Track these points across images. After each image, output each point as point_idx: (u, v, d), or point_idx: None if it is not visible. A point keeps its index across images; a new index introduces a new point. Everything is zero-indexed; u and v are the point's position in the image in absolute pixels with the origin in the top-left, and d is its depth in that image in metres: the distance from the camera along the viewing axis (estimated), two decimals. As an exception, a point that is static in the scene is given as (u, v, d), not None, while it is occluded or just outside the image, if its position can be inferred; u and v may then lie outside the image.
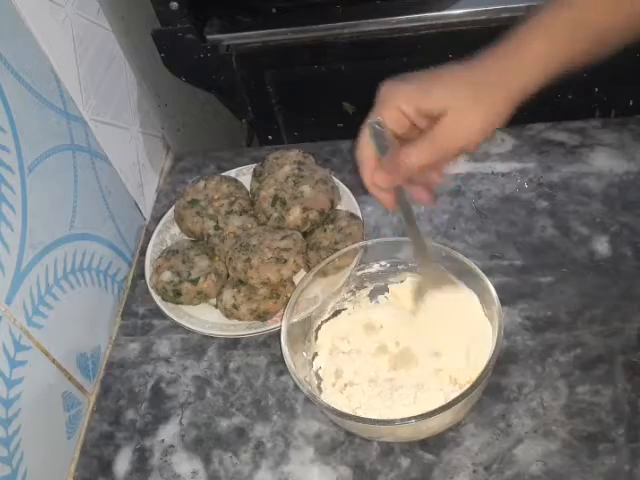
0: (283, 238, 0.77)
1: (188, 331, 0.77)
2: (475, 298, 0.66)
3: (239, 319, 0.76)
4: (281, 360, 0.70)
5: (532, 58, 0.54)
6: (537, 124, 0.90)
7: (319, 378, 0.69)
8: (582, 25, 0.54)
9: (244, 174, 0.89)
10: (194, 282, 0.77)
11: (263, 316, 0.75)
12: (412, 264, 0.71)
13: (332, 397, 0.66)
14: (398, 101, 0.55)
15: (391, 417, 0.61)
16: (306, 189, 0.79)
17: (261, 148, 1.02)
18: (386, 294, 0.73)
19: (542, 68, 0.54)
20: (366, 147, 0.58)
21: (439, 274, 0.66)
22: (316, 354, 0.70)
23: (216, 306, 0.78)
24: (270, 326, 0.74)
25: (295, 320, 0.68)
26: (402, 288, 0.72)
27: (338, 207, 0.82)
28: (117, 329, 0.80)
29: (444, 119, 0.53)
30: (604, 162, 0.84)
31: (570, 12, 0.54)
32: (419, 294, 0.68)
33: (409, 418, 0.58)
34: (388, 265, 0.72)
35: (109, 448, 0.71)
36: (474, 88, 0.53)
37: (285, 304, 0.73)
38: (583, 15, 0.54)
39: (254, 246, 0.76)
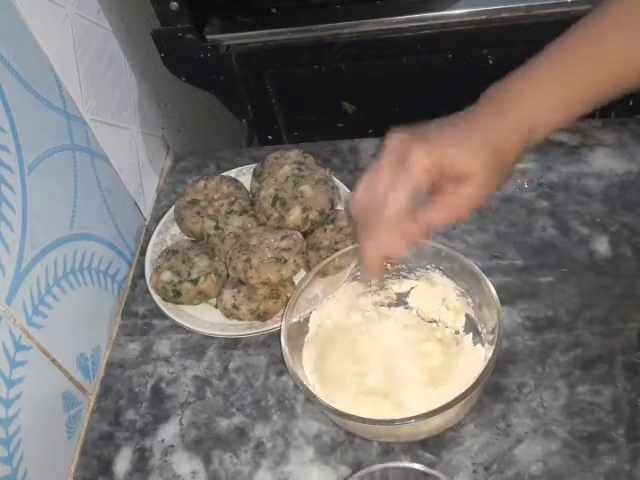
0: (283, 238, 0.77)
1: (188, 331, 0.77)
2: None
3: (239, 319, 0.76)
4: (281, 360, 0.70)
5: (540, 108, 0.55)
6: (537, 124, 0.89)
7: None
8: (594, 69, 0.55)
9: (244, 174, 0.90)
10: (194, 282, 0.77)
11: (263, 316, 0.75)
12: (411, 264, 0.71)
13: (332, 396, 0.66)
14: (423, 163, 0.53)
15: (391, 417, 0.61)
16: (306, 189, 0.79)
17: (261, 148, 1.02)
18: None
19: (551, 117, 0.55)
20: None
21: None
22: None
23: (216, 306, 0.78)
24: (270, 326, 0.74)
25: (295, 320, 0.68)
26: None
27: (338, 207, 0.82)
28: (117, 329, 0.80)
29: (468, 183, 0.54)
30: (604, 162, 0.84)
31: (578, 55, 0.55)
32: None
33: (409, 418, 0.58)
34: (388, 265, 0.72)
35: (109, 448, 0.71)
36: (495, 153, 0.54)
37: (285, 304, 0.73)
38: (594, 60, 0.55)
39: (254, 246, 0.76)
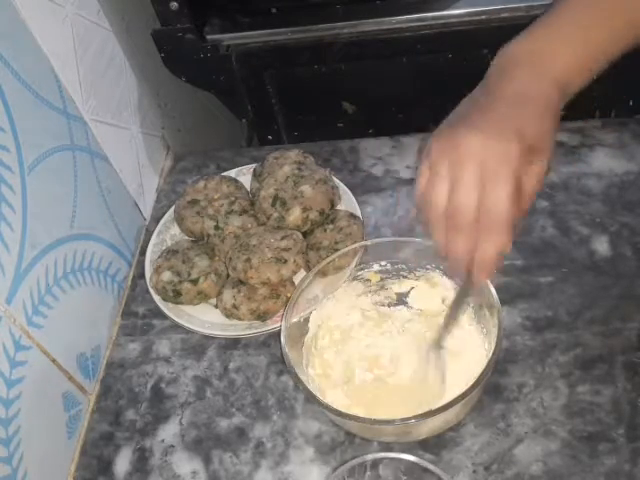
0: (283, 238, 0.77)
1: (188, 331, 0.77)
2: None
3: (239, 319, 0.76)
4: (281, 360, 0.70)
5: (556, 80, 0.54)
6: (537, 124, 0.89)
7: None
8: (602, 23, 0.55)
9: (244, 174, 0.89)
10: (194, 282, 0.77)
11: (263, 316, 0.75)
12: (411, 264, 0.71)
13: (332, 396, 0.66)
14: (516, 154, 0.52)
15: (391, 417, 0.61)
16: (306, 189, 0.79)
17: (261, 148, 1.02)
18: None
19: (566, 84, 0.55)
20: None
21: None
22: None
23: (216, 306, 0.78)
24: (270, 326, 0.74)
25: (295, 320, 0.68)
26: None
27: (338, 207, 0.82)
28: (117, 329, 0.80)
29: (542, 154, 0.54)
30: (604, 162, 0.84)
31: (584, 14, 0.56)
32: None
33: (409, 418, 0.58)
34: (388, 265, 0.72)
35: (109, 448, 0.71)
36: (549, 116, 0.54)
37: (285, 304, 0.73)
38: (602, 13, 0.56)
39: (254, 246, 0.76)
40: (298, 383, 0.62)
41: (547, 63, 0.54)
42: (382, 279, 0.73)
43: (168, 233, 0.86)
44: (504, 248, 0.53)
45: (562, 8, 0.56)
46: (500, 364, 0.67)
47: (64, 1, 0.74)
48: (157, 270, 0.79)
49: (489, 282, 0.63)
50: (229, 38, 0.96)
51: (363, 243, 0.73)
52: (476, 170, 0.51)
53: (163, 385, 0.74)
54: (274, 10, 0.95)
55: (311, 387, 0.63)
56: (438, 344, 0.65)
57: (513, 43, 0.56)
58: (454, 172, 0.52)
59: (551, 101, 0.54)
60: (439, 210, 0.53)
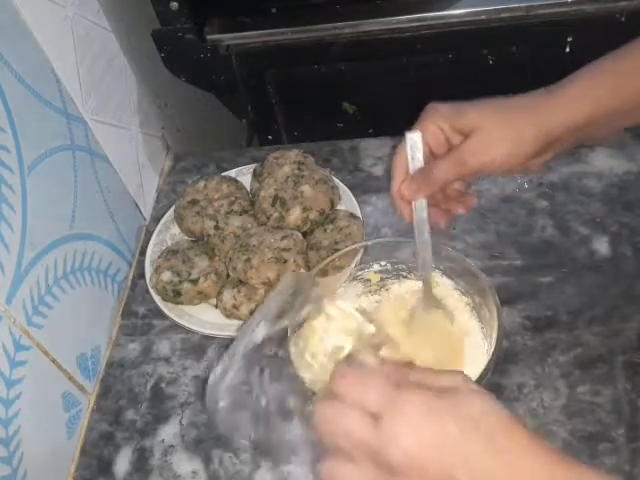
0: (283, 238, 0.77)
1: (188, 331, 0.77)
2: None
3: (239, 319, 0.76)
4: (281, 360, 0.70)
5: (569, 96, 0.55)
6: (537, 124, 0.89)
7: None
8: (626, 75, 0.55)
9: (244, 174, 0.90)
10: (194, 282, 0.77)
11: (263, 316, 0.75)
12: (412, 264, 0.71)
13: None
14: (436, 118, 0.58)
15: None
16: (306, 189, 0.79)
17: (261, 148, 1.02)
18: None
19: (581, 109, 0.55)
20: (400, 157, 0.59)
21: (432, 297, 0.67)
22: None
23: (216, 306, 0.78)
24: (270, 326, 0.74)
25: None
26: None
27: (338, 207, 0.82)
28: (117, 329, 0.80)
29: (471, 136, 0.56)
30: (604, 162, 0.84)
31: (615, 63, 0.56)
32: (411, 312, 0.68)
33: (409, 418, 0.58)
34: (388, 265, 0.72)
35: (109, 448, 0.71)
36: (506, 113, 0.56)
37: (285, 304, 0.73)
38: (628, 68, 0.55)
39: (254, 246, 0.76)
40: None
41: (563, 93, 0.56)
42: (382, 279, 0.73)
43: (168, 233, 0.86)
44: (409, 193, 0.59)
45: None
46: (500, 364, 0.67)
47: (64, 1, 0.74)
48: (157, 270, 0.79)
49: (489, 282, 0.63)
50: (229, 38, 0.96)
51: (363, 243, 0.73)
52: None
53: (163, 385, 0.74)
54: (274, 10, 0.95)
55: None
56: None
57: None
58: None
59: (548, 117, 0.55)
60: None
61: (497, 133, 0.55)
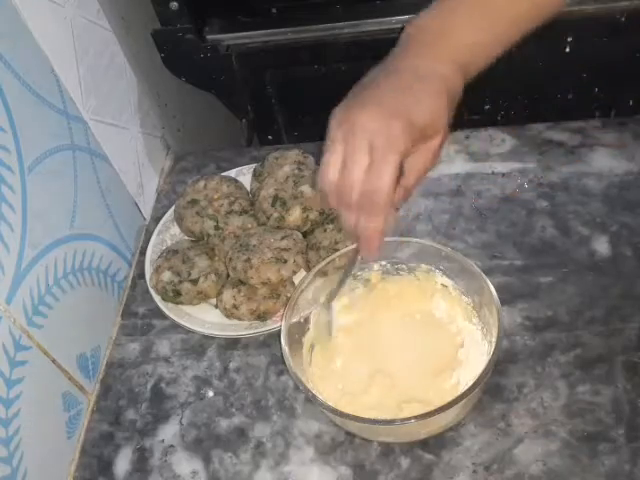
0: (283, 238, 0.77)
1: (188, 331, 0.77)
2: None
3: (239, 319, 0.76)
4: (281, 360, 0.70)
5: (452, 43, 0.56)
6: (537, 124, 0.90)
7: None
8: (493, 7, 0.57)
9: (244, 174, 0.90)
10: (194, 282, 0.77)
11: (263, 316, 0.75)
12: (412, 264, 0.71)
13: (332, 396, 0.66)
14: (399, 141, 0.53)
15: (391, 417, 0.61)
16: (306, 189, 0.79)
17: (261, 148, 1.02)
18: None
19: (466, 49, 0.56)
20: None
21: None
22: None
23: (216, 306, 0.78)
24: (270, 326, 0.74)
25: (295, 320, 0.68)
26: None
27: (338, 207, 0.82)
28: (117, 329, 0.80)
29: (438, 136, 0.55)
30: (604, 162, 0.84)
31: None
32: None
33: (409, 418, 0.58)
34: (388, 265, 0.72)
35: (109, 448, 0.71)
36: (446, 96, 0.55)
37: (285, 304, 0.73)
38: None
39: (254, 246, 0.76)
40: (298, 383, 0.62)
41: (448, 42, 0.56)
42: (382, 279, 0.73)
43: (168, 233, 0.86)
44: (379, 227, 0.55)
45: None
46: (500, 364, 0.67)
47: (64, 1, 0.74)
48: (157, 270, 0.79)
49: (489, 282, 0.64)
50: (229, 38, 0.96)
51: (363, 243, 0.72)
52: (364, 147, 0.53)
53: (163, 385, 0.74)
54: (274, 10, 0.95)
55: (311, 387, 0.63)
56: (328, 303, 0.68)
57: (423, 15, 0.59)
58: (345, 148, 0.54)
59: (447, 80, 0.55)
60: (332, 186, 0.55)
61: (449, 117, 0.55)
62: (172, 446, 0.70)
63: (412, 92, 0.54)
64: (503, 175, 0.85)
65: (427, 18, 0.58)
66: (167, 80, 0.99)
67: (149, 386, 0.75)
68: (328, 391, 0.66)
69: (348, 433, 0.66)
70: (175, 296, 0.77)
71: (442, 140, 0.56)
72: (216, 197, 0.84)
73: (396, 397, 0.64)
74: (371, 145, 0.52)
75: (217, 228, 0.81)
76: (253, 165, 0.89)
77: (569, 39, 0.89)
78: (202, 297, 0.78)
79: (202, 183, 0.86)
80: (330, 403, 0.61)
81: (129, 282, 0.85)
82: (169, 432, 0.71)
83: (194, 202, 0.84)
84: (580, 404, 0.65)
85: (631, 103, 0.97)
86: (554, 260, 0.76)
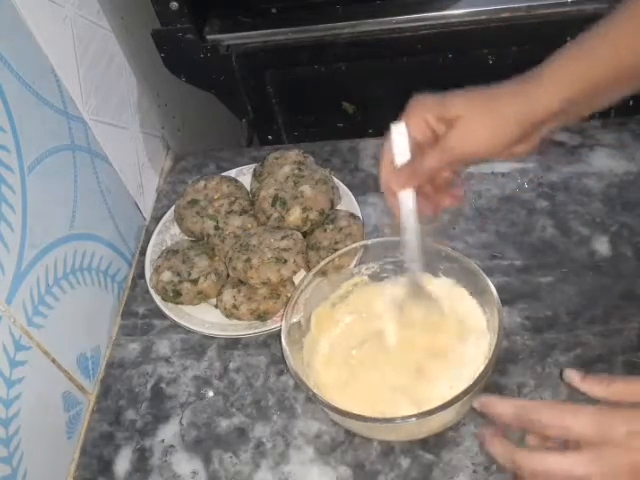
0: (283, 238, 0.77)
1: (188, 331, 0.77)
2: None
3: (239, 319, 0.76)
4: (281, 360, 0.70)
5: (552, 80, 0.55)
6: (537, 124, 0.89)
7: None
8: (607, 54, 0.55)
9: (244, 174, 0.90)
10: (194, 282, 0.77)
11: (263, 316, 0.75)
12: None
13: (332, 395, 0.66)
14: (421, 109, 0.58)
15: (391, 415, 0.61)
16: (306, 189, 0.79)
17: (261, 148, 1.02)
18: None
19: (561, 91, 0.55)
20: (387, 150, 0.60)
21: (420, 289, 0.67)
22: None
23: (216, 306, 0.78)
24: (270, 326, 0.74)
25: (295, 320, 0.68)
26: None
27: (338, 207, 0.82)
28: (117, 329, 0.80)
29: (456, 125, 0.56)
30: (604, 162, 0.84)
31: (597, 41, 0.56)
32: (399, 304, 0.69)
33: (409, 417, 0.58)
34: (388, 265, 0.72)
35: (109, 448, 0.71)
36: (488, 101, 0.56)
37: (285, 304, 0.73)
38: (608, 46, 0.55)
39: (254, 246, 0.76)
40: (299, 382, 0.62)
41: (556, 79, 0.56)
42: (382, 279, 0.73)
43: (168, 233, 0.86)
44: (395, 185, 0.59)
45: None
46: (500, 364, 0.67)
47: (64, 1, 0.74)
48: (157, 270, 0.79)
49: (489, 282, 0.64)
50: (229, 38, 0.96)
51: (363, 243, 0.73)
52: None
53: (163, 385, 0.74)
54: (274, 10, 0.95)
55: (311, 386, 0.63)
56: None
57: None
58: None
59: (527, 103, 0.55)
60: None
61: (481, 120, 0.56)
62: (172, 446, 0.70)
63: (459, 93, 0.58)
64: (503, 175, 0.85)
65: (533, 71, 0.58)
66: (167, 80, 0.99)
67: (149, 386, 0.75)
68: (331, 392, 0.66)
69: (348, 433, 0.66)
70: (175, 296, 0.77)
71: (461, 133, 0.57)
72: (216, 197, 0.84)
73: (396, 395, 0.64)
74: None
75: (217, 228, 0.81)
76: (253, 165, 0.89)
77: (569, 39, 0.89)
78: (202, 297, 0.78)
79: (202, 183, 0.86)
80: (330, 401, 0.61)
81: (129, 282, 0.85)
82: (169, 432, 0.71)
83: (194, 202, 0.84)
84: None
85: (631, 103, 0.97)
86: (554, 260, 0.76)
